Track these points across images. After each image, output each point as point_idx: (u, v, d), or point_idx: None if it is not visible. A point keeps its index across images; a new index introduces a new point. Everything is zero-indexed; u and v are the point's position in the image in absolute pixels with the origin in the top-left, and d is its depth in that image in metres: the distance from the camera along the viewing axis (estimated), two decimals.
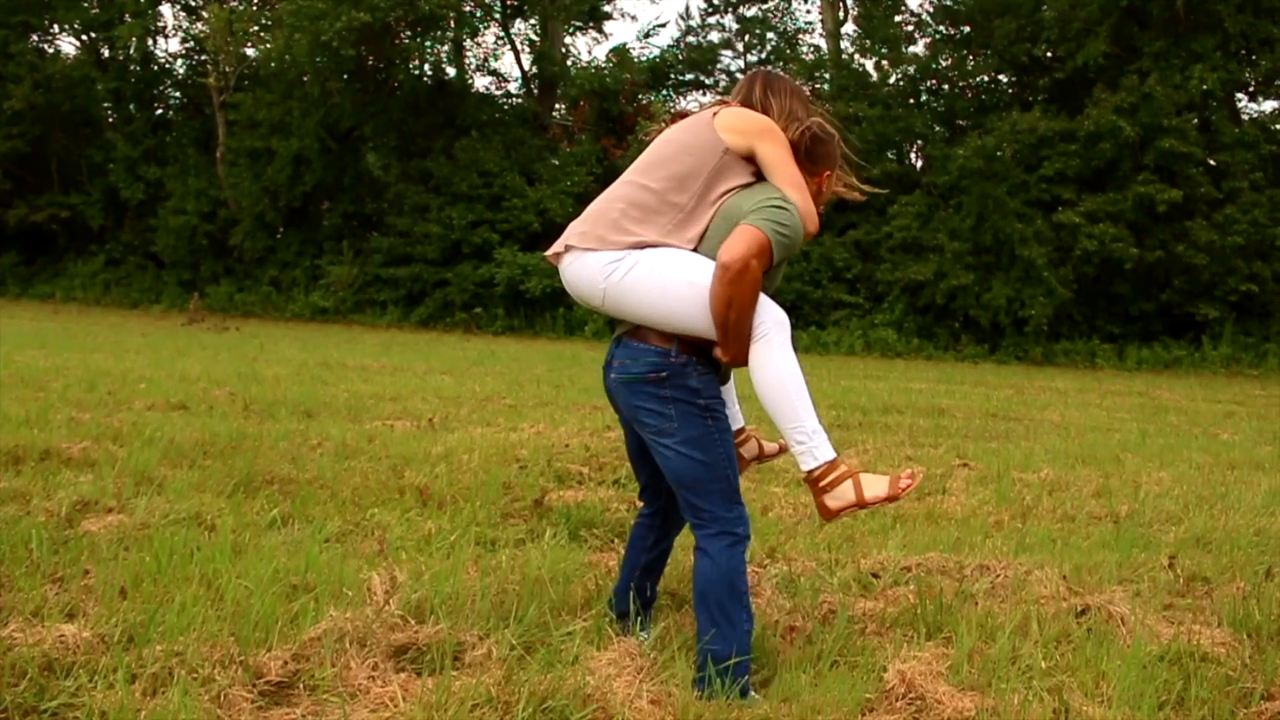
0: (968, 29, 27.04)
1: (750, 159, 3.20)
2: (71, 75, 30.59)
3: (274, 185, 28.22)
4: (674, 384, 3.07)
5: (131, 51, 31.93)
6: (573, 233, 3.19)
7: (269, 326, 23.78)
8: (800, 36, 32.29)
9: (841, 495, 3.09)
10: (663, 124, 3.39)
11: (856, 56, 28.39)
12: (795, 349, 3.15)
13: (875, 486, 3.09)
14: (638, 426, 3.18)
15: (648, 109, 27.83)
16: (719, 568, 3.07)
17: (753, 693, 3.07)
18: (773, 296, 3.19)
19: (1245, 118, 25.05)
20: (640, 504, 3.57)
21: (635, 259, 3.06)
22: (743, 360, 3.10)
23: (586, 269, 3.12)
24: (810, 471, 3.11)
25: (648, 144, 3.34)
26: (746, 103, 3.30)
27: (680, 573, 4.19)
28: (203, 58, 32.05)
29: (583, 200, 29.28)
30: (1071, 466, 7.60)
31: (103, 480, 5.19)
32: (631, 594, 3.47)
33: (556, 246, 3.21)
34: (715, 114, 3.23)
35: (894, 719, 3.02)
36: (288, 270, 28.59)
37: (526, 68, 30.85)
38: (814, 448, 3.10)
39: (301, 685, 2.95)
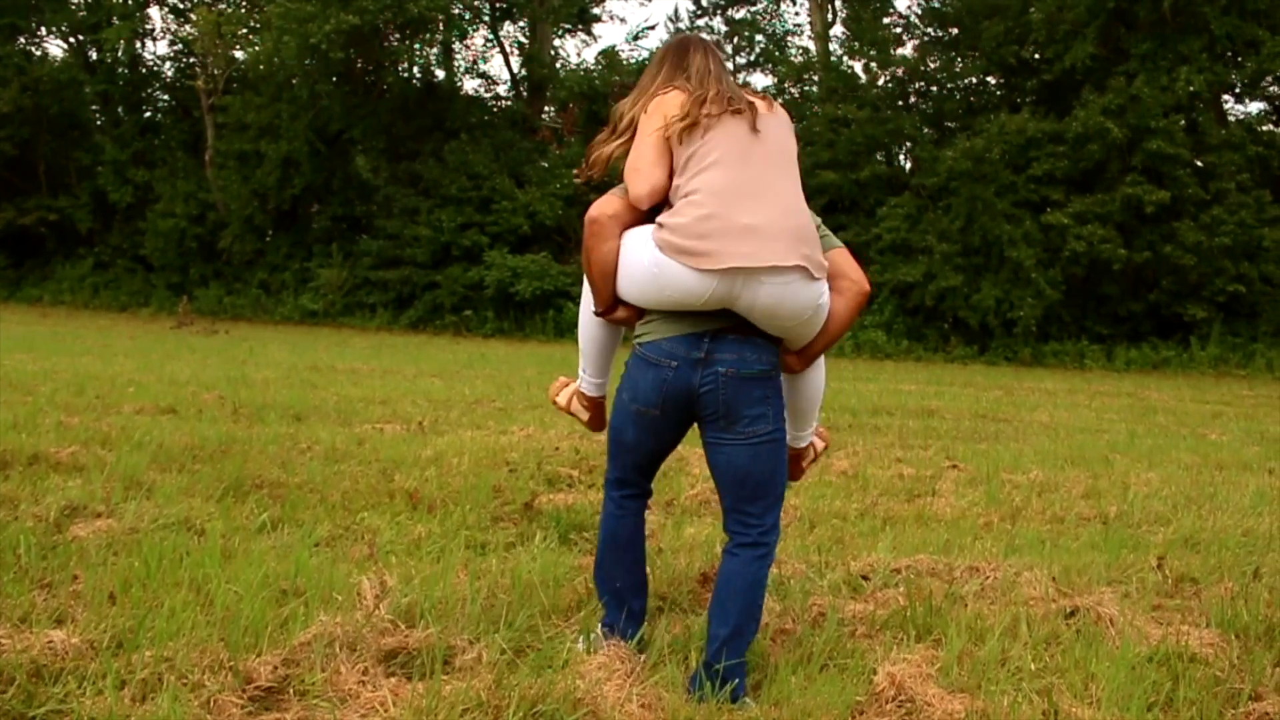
0: (956, 31, 27.12)
1: None
2: (59, 78, 30.52)
3: (263, 188, 28.17)
4: (776, 382, 3.18)
5: (119, 54, 31.84)
6: (800, 255, 2.99)
7: (258, 329, 23.74)
8: (789, 39, 32.37)
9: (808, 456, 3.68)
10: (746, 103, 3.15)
11: (845, 58, 28.43)
12: None
13: (819, 443, 3.71)
14: (730, 421, 3.09)
15: None
16: (745, 578, 3.13)
17: (746, 697, 3.07)
18: None
19: (1232, 119, 25.19)
20: (637, 497, 3.39)
21: (827, 285, 3.17)
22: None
23: (808, 294, 3.03)
24: (807, 446, 3.62)
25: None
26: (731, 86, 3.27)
27: (671, 576, 4.19)
28: (191, 60, 31.99)
29: (573, 203, 29.08)
30: (1060, 468, 7.63)
31: (91, 485, 5.17)
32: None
33: (776, 258, 2.96)
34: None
35: None
36: (277, 273, 28.54)
37: (515, 70, 30.88)
38: (818, 427, 3.64)
39: (291, 690, 2.95)
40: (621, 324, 3.30)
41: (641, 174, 3.09)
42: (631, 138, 3.20)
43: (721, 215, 2.96)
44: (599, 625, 3.41)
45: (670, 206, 3.09)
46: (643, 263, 3.04)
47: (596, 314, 3.26)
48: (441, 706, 2.80)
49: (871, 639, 3.64)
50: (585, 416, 3.57)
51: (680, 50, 3.28)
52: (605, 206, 3.14)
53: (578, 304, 3.48)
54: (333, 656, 3.07)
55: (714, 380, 3.06)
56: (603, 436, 3.48)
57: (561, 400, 3.61)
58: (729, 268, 2.93)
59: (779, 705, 3.03)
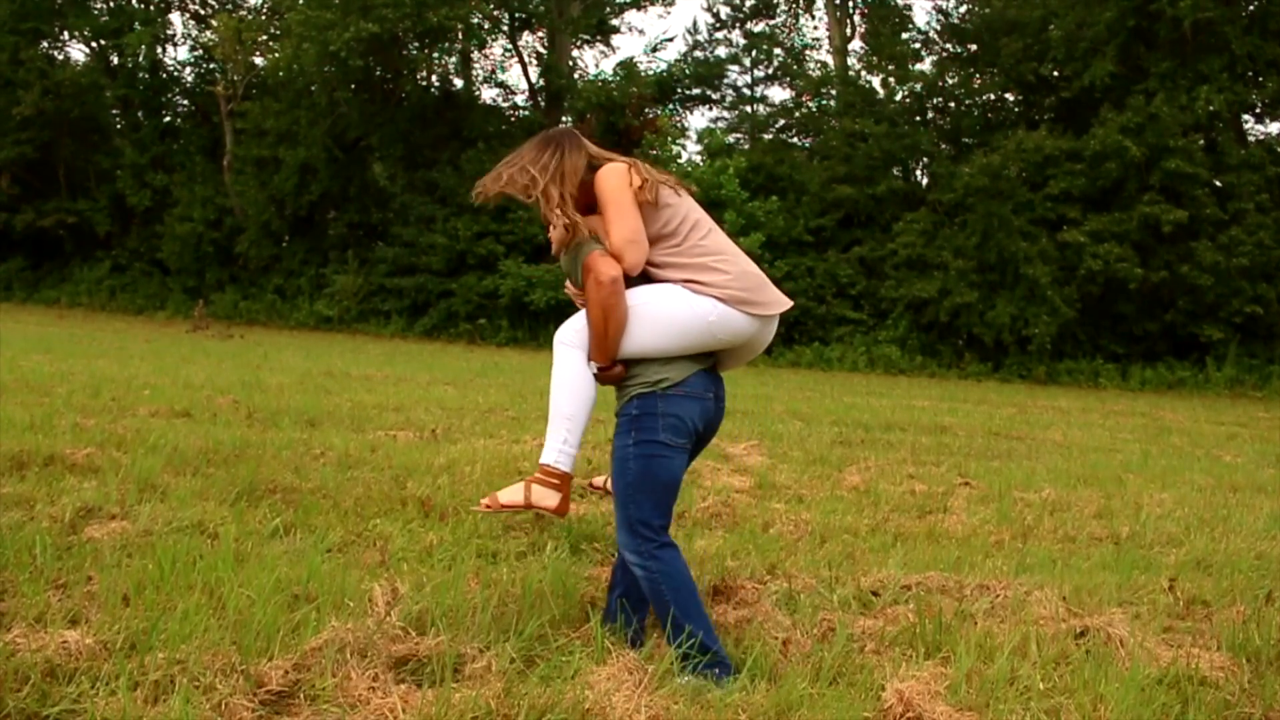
0: (974, 47, 27.13)
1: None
2: (80, 82, 30.73)
3: (280, 194, 28.31)
4: None
5: (140, 59, 32.09)
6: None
7: (273, 334, 23.83)
8: (807, 53, 32.44)
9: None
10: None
11: (863, 73, 28.47)
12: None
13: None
14: (706, 442, 3.54)
15: (654, 123, 27.90)
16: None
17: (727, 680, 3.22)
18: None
19: (1251, 139, 25.08)
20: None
21: None
22: None
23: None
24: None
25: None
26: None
27: None
28: (211, 66, 32.22)
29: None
30: (1073, 486, 7.60)
31: (106, 487, 5.20)
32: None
33: (787, 303, 3.55)
34: None
35: None
36: (293, 279, 28.67)
37: (534, 80, 31.00)
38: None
39: (302, 695, 2.97)
40: (612, 380, 3.43)
41: (639, 246, 3.39)
42: (561, 208, 3.50)
43: (750, 271, 3.43)
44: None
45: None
46: (698, 313, 3.34)
47: (600, 371, 3.41)
48: (451, 714, 2.82)
49: (880, 655, 3.64)
50: (554, 501, 3.35)
51: (570, 136, 3.56)
52: (616, 267, 3.35)
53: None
54: (343, 662, 3.09)
55: (720, 407, 3.51)
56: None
57: (513, 498, 3.34)
58: (775, 313, 3.44)
59: (786, 719, 3.03)
